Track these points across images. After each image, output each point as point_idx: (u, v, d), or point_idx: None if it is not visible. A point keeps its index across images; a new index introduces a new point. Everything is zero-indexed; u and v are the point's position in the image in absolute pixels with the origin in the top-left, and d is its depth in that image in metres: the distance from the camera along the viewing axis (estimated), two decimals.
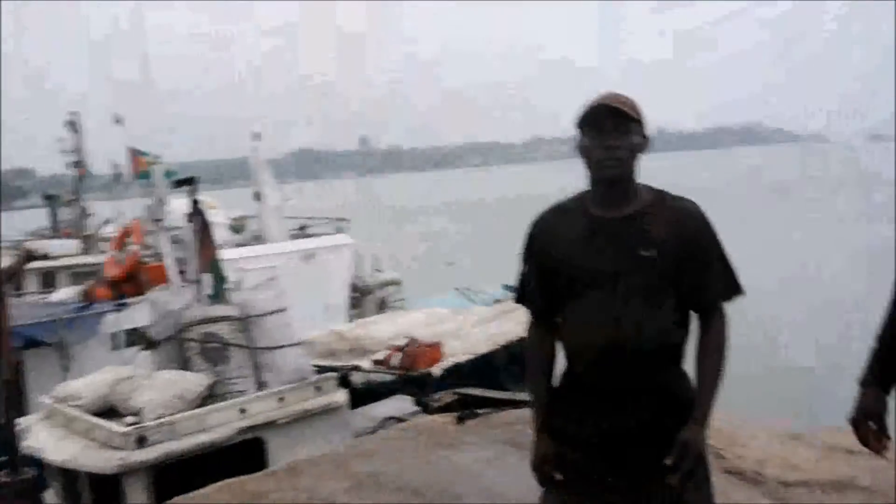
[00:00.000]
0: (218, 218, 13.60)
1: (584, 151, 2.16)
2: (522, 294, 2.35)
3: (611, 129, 2.10)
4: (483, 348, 7.89)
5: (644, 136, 2.17)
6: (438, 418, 5.77)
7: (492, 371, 7.39)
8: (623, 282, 2.11)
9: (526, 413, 4.65)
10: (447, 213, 59.11)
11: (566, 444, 2.21)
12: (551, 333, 2.30)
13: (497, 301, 8.75)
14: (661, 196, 2.21)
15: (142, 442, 5.62)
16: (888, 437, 2.05)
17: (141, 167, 11.29)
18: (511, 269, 2.61)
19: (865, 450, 2.11)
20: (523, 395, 5.21)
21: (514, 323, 8.01)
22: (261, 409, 6.23)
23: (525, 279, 2.33)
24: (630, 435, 2.12)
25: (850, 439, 2.22)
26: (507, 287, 9.16)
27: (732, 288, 2.20)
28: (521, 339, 2.52)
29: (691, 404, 2.13)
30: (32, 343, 10.71)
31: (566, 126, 2.23)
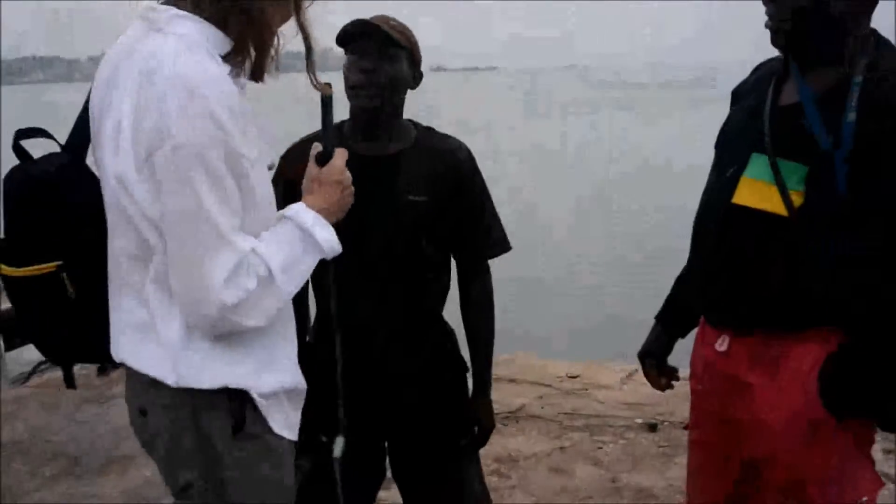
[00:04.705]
0: None
1: (344, 74, 1.89)
2: None
3: (373, 52, 1.83)
4: None
5: (414, 69, 1.91)
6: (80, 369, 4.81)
7: None
8: (387, 230, 1.86)
9: None
10: None
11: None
12: None
13: None
14: (427, 133, 1.98)
15: None
16: (668, 375, 1.97)
17: None
18: None
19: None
20: None
21: None
22: None
23: None
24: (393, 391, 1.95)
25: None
26: None
27: (500, 243, 2.01)
28: None
29: (461, 365, 2.02)
30: None
31: None
